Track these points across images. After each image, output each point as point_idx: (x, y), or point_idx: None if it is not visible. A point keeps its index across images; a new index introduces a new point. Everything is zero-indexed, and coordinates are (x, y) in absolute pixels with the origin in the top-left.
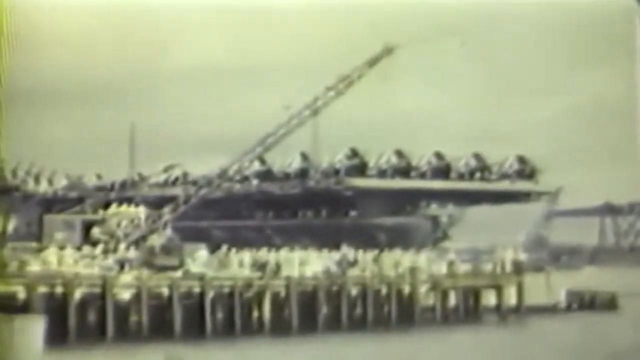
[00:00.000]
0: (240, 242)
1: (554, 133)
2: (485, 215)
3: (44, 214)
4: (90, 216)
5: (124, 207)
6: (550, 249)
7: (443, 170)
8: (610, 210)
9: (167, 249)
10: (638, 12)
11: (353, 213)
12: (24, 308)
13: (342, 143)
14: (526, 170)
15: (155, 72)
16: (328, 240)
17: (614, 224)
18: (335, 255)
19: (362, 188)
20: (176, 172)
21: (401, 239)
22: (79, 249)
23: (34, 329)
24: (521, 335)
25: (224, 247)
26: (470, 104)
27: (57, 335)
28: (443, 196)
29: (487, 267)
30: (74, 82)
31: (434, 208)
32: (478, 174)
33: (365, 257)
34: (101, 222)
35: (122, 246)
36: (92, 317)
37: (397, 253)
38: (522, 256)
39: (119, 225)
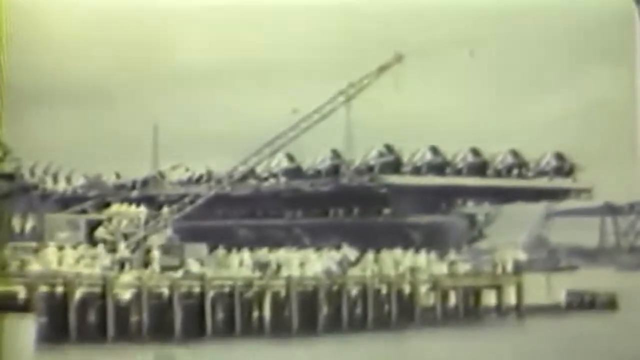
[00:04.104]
0: (267, 241)
1: (553, 132)
2: (522, 213)
3: (46, 213)
4: (94, 216)
5: (124, 207)
6: (551, 249)
7: (479, 167)
8: (610, 210)
9: (167, 249)
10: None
11: (386, 211)
12: (25, 307)
13: (374, 140)
14: (564, 167)
15: (167, 72)
16: (360, 239)
17: (614, 224)
18: (336, 255)
19: (397, 185)
20: (200, 170)
21: (436, 238)
22: (74, 248)
23: (25, 327)
24: (521, 336)
25: (224, 246)
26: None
27: (57, 335)
28: (479, 194)
29: (488, 267)
30: (82, 83)
31: (470, 206)
32: (515, 171)
33: (366, 256)
34: (106, 221)
35: (122, 246)
36: (92, 316)
37: (397, 252)
38: (522, 256)
39: (119, 224)
